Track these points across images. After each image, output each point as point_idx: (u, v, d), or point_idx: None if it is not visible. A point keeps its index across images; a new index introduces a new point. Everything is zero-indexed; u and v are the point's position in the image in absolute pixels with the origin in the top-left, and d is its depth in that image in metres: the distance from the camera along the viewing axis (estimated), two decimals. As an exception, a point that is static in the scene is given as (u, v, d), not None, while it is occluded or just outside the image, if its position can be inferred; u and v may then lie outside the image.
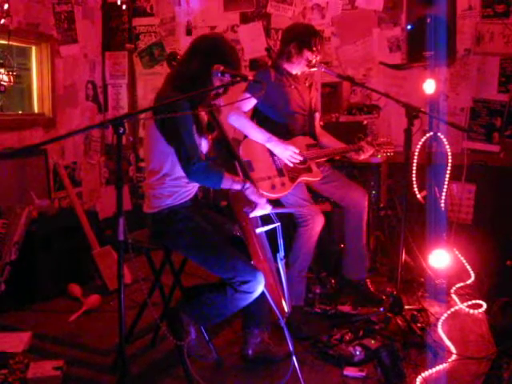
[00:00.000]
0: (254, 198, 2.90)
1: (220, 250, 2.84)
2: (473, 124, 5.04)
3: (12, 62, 4.70)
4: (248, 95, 3.71)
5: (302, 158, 3.77)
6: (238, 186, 2.88)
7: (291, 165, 3.74)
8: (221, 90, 3.00)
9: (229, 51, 2.98)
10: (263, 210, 2.94)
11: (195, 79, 2.91)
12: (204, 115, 3.07)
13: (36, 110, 5.32)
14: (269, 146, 3.74)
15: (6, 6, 4.59)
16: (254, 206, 2.91)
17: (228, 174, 2.89)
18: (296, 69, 3.93)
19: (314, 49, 3.80)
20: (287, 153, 3.72)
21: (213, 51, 2.93)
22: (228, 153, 3.03)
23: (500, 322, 3.76)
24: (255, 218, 3.00)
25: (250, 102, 3.82)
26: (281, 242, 2.97)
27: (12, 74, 4.58)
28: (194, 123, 2.92)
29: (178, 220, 2.93)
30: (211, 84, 2.92)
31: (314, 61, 3.85)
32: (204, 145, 3.07)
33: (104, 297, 4.23)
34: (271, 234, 3.03)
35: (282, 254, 2.97)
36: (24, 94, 5.25)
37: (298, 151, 3.74)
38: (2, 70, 4.51)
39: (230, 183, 2.87)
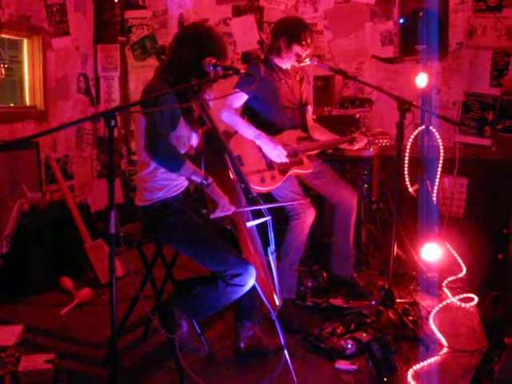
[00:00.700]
0: (214, 196, 2.84)
1: (211, 243, 2.84)
2: (465, 118, 5.04)
3: (3, 55, 4.67)
4: (238, 90, 3.70)
5: (287, 161, 3.77)
6: (197, 179, 2.83)
7: (279, 162, 3.75)
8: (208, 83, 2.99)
9: (218, 40, 2.96)
10: (225, 211, 2.86)
11: (187, 70, 2.91)
12: (195, 108, 3.05)
13: (28, 102, 5.29)
14: (258, 142, 3.75)
15: (-3, -1, 4.57)
16: (215, 206, 2.84)
17: (191, 165, 2.84)
18: (286, 63, 3.92)
19: (304, 43, 3.79)
20: (275, 152, 3.72)
21: (203, 40, 2.92)
22: (218, 146, 3.01)
23: (491, 315, 3.78)
24: (246, 211, 3.00)
25: (241, 98, 3.82)
26: (271, 235, 2.97)
27: (3, 67, 4.55)
28: (181, 115, 2.91)
29: (169, 213, 2.92)
30: (204, 75, 2.91)
31: (304, 55, 3.84)
32: (194, 138, 3.07)
33: (96, 290, 4.23)
34: (262, 228, 3.03)
35: (272, 247, 2.97)
36: (16, 87, 5.23)
37: (285, 153, 3.74)
38: (-6, 63, 4.49)
39: (190, 173, 2.82)
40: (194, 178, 2.83)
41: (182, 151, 2.97)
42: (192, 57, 2.88)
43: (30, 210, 4.32)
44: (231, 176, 3.05)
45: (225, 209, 2.84)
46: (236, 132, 3.83)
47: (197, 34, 2.95)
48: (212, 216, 2.84)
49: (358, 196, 4.09)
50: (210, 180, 2.84)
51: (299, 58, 3.85)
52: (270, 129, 3.83)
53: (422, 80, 4.37)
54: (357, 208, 4.07)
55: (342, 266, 4.15)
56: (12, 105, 5.14)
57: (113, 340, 2.34)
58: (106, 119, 2.21)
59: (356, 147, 3.95)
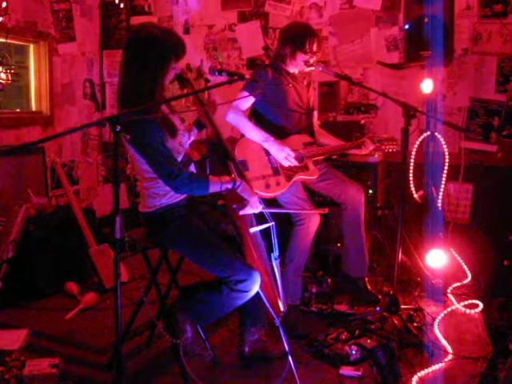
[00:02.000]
0: (245, 195, 2.85)
1: (216, 248, 2.83)
2: (470, 124, 5.03)
3: (10, 60, 4.69)
4: (246, 93, 3.71)
5: (296, 163, 3.77)
6: (228, 186, 2.83)
7: (286, 165, 3.75)
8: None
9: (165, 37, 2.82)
10: (254, 208, 2.89)
11: (140, 88, 2.81)
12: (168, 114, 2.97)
13: (34, 108, 5.32)
14: (265, 145, 3.74)
15: (4, 4, 4.59)
16: (245, 203, 2.86)
17: (214, 178, 2.84)
18: (293, 68, 3.93)
19: (308, 51, 3.80)
20: (282, 154, 3.71)
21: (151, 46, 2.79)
22: (222, 152, 3.01)
23: (496, 321, 3.77)
24: (250, 217, 2.99)
25: (248, 101, 3.82)
26: (275, 241, 2.96)
27: (10, 72, 4.57)
28: (161, 131, 2.80)
29: (173, 219, 2.92)
30: (163, 78, 2.85)
31: (311, 61, 3.84)
32: (185, 139, 3.06)
33: (100, 295, 4.22)
34: (266, 233, 3.03)
35: (276, 253, 2.97)
36: (22, 92, 5.25)
37: (293, 154, 3.73)
38: (0, 68, 4.51)
39: (219, 186, 2.82)
40: (224, 187, 2.83)
41: (179, 158, 2.95)
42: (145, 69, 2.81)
43: (35, 214, 4.32)
44: None
45: (254, 206, 2.87)
46: (242, 136, 3.83)
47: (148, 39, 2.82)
48: (241, 212, 2.86)
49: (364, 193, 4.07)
50: (239, 181, 2.84)
51: (307, 63, 3.85)
52: (277, 133, 3.82)
53: (427, 86, 4.38)
54: (364, 205, 4.04)
55: (356, 266, 4.11)
56: (18, 110, 5.16)
57: (117, 345, 2.35)
58: (111, 124, 2.22)
59: (363, 152, 3.95)
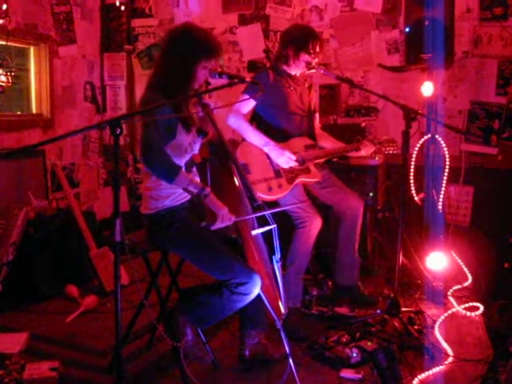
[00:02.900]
0: (212, 207, 2.79)
1: (217, 251, 2.83)
2: (471, 126, 5.02)
3: (10, 63, 4.69)
4: (247, 96, 3.70)
5: (297, 165, 3.77)
6: (194, 190, 2.78)
7: (287, 168, 3.74)
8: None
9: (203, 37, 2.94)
10: (225, 222, 2.81)
11: (177, 76, 2.91)
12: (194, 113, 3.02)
13: (34, 110, 5.31)
14: (266, 149, 3.74)
15: (4, 7, 4.60)
16: (214, 217, 2.80)
17: (187, 175, 2.83)
18: (295, 70, 3.92)
19: (312, 51, 3.79)
20: (283, 158, 3.71)
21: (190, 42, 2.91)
22: (224, 154, 3.01)
23: (497, 324, 3.76)
24: (251, 219, 2.99)
25: (249, 104, 3.82)
26: (277, 243, 2.96)
27: (10, 75, 4.57)
28: (179, 122, 2.88)
29: (175, 221, 2.92)
30: (196, 79, 2.93)
31: (313, 63, 3.84)
32: (198, 143, 3.06)
33: (101, 298, 4.23)
34: (268, 236, 3.02)
35: (278, 255, 2.95)
36: (22, 95, 5.25)
37: (294, 157, 3.73)
38: (1, 71, 4.52)
39: (186, 183, 2.77)
40: (190, 188, 2.79)
41: (185, 158, 2.97)
42: (183, 62, 2.90)
43: (35, 217, 4.32)
44: (237, 184, 3.04)
45: (225, 219, 2.80)
46: (243, 140, 3.83)
47: (186, 38, 2.94)
48: (212, 228, 2.81)
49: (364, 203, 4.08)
50: (207, 191, 2.79)
51: (309, 65, 3.84)
52: (278, 136, 3.82)
53: (427, 89, 4.37)
54: (362, 216, 4.05)
55: (347, 276, 4.11)
56: (19, 113, 5.16)
57: (118, 348, 2.34)
58: (111, 127, 2.22)
59: (363, 153, 3.93)
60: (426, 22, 4.19)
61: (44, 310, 4.11)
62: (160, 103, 2.78)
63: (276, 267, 2.95)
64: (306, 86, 4.10)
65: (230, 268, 2.75)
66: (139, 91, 6.26)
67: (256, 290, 2.77)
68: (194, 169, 3.09)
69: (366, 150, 3.91)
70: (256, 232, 2.96)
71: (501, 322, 3.80)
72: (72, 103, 5.74)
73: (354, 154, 4.01)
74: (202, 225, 2.85)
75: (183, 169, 2.90)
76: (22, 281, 4.17)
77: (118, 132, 2.23)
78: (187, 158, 2.99)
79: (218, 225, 2.80)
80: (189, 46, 2.90)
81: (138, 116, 2.94)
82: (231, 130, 3.84)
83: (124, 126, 2.35)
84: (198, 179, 2.91)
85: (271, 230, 2.93)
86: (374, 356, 3.03)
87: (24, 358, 3.18)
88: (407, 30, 4.41)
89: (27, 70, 5.24)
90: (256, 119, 3.99)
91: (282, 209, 3.62)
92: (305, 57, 3.80)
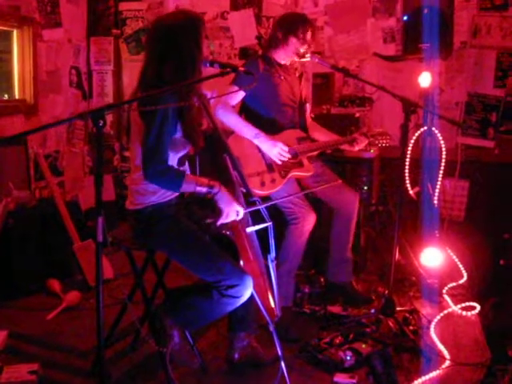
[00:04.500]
0: (222, 205, 2.70)
1: (206, 251, 2.69)
2: (468, 119, 4.93)
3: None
4: (236, 88, 3.57)
5: (290, 156, 3.65)
6: (202, 190, 2.69)
7: (280, 162, 3.61)
8: None
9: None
10: (231, 217, 2.72)
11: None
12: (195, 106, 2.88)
13: (17, 96, 5.13)
14: (256, 142, 3.61)
15: (-15, -12, 4.42)
16: (219, 214, 2.70)
17: (192, 177, 2.73)
18: (285, 58, 3.81)
19: (301, 36, 3.69)
20: (275, 150, 3.58)
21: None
22: (219, 146, 2.86)
23: (492, 322, 3.71)
24: (246, 216, 2.85)
25: (238, 95, 3.70)
26: (272, 242, 2.82)
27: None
28: (179, 118, 2.73)
29: (162, 219, 2.78)
30: (199, 71, 2.79)
31: (302, 50, 3.72)
32: None
33: (84, 293, 4.10)
34: (262, 234, 2.89)
35: (273, 254, 2.82)
36: (4, 80, 5.07)
37: (286, 148, 3.61)
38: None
39: (193, 187, 2.68)
40: (198, 190, 2.70)
41: (181, 153, 2.83)
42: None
43: (16, 208, 4.18)
44: (231, 178, 2.90)
45: (232, 215, 2.71)
46: (233, 131, 3.69)
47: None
48: (218, 223, 2.72)
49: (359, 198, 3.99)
50: (217, 188, 2.70)
51: (298, 53, 3.73)
52: (269, 128, 3.69)
53: (425, 79, 4.26)
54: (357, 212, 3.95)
55: (340, 272, 4.03)
56: (1, 98, 4.98)
57: (100, 350, 2.20)
58: (93, 119, 2.05)
59: (356, 148, 3.84)
60: (425, 11, 4.07)
61: (24, 306, 3.97)
62: (165, 89, 2.62)
63: (271, 267, 2.82)
64: (297, 75, 3.98)
65: (219, 269, 2.62)
66: (126, 77, 6.11)
67: (247, 292, 2.65)
68: (186, 163, 2.96)
69: (359, 144, 3.82)
70: (251, 229, 2.83)
71: (496, 319, 3.74)
72: (57, 89, 5.56)
73: (347, 148, 3.90)
74: (208, 222, 2.77)
75: (176, 165, 2.80)
76: (1, 275, 4.03)
77: (100, 124, 2.06)
78: (183, 153, 2.85)
79: (224, 220, 2.71)
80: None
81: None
82: (220, 122, 3.69)
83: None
84: (203, 180, 2.75)
85: (266, 228, 2.79)
86: (370, 361, 2.92)
87: (1, 359, 3.06)
88: (405, 18, 4.31)
89: (10, 54, 5.05)
90: (245, 111, 3.86)
91: (276, 201, 3.49)
92: (293, 41, 3.70)
